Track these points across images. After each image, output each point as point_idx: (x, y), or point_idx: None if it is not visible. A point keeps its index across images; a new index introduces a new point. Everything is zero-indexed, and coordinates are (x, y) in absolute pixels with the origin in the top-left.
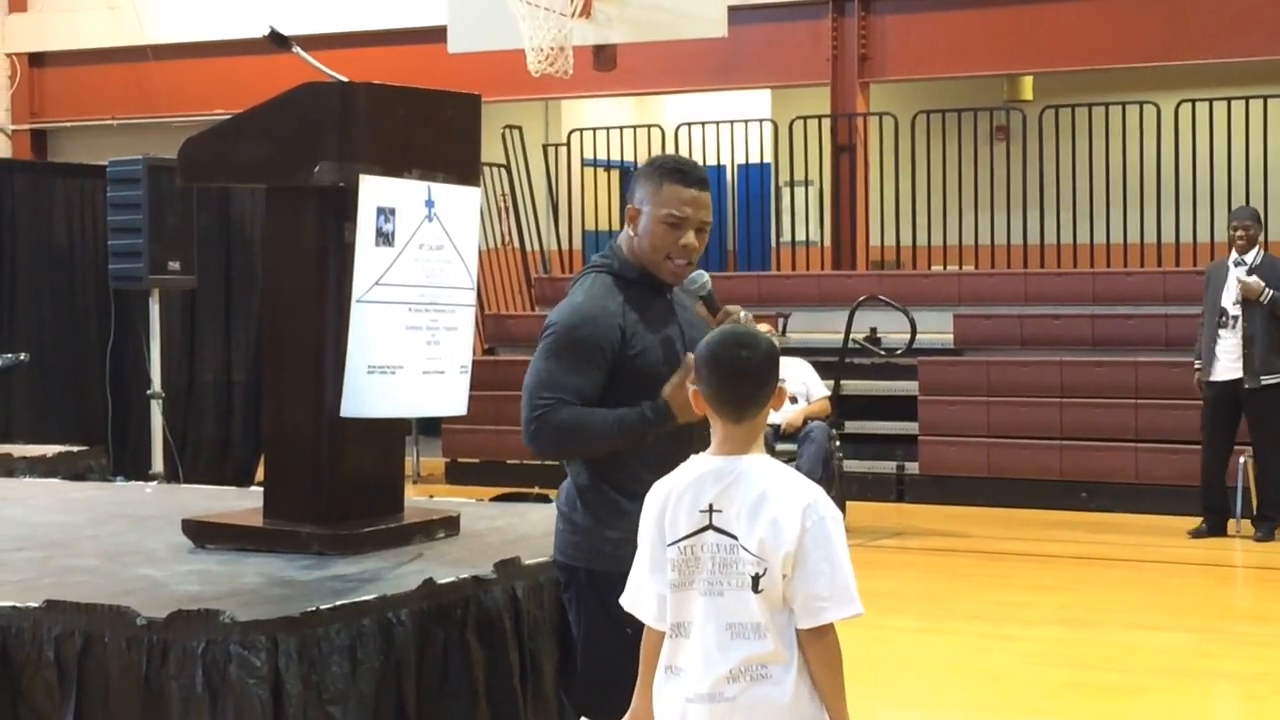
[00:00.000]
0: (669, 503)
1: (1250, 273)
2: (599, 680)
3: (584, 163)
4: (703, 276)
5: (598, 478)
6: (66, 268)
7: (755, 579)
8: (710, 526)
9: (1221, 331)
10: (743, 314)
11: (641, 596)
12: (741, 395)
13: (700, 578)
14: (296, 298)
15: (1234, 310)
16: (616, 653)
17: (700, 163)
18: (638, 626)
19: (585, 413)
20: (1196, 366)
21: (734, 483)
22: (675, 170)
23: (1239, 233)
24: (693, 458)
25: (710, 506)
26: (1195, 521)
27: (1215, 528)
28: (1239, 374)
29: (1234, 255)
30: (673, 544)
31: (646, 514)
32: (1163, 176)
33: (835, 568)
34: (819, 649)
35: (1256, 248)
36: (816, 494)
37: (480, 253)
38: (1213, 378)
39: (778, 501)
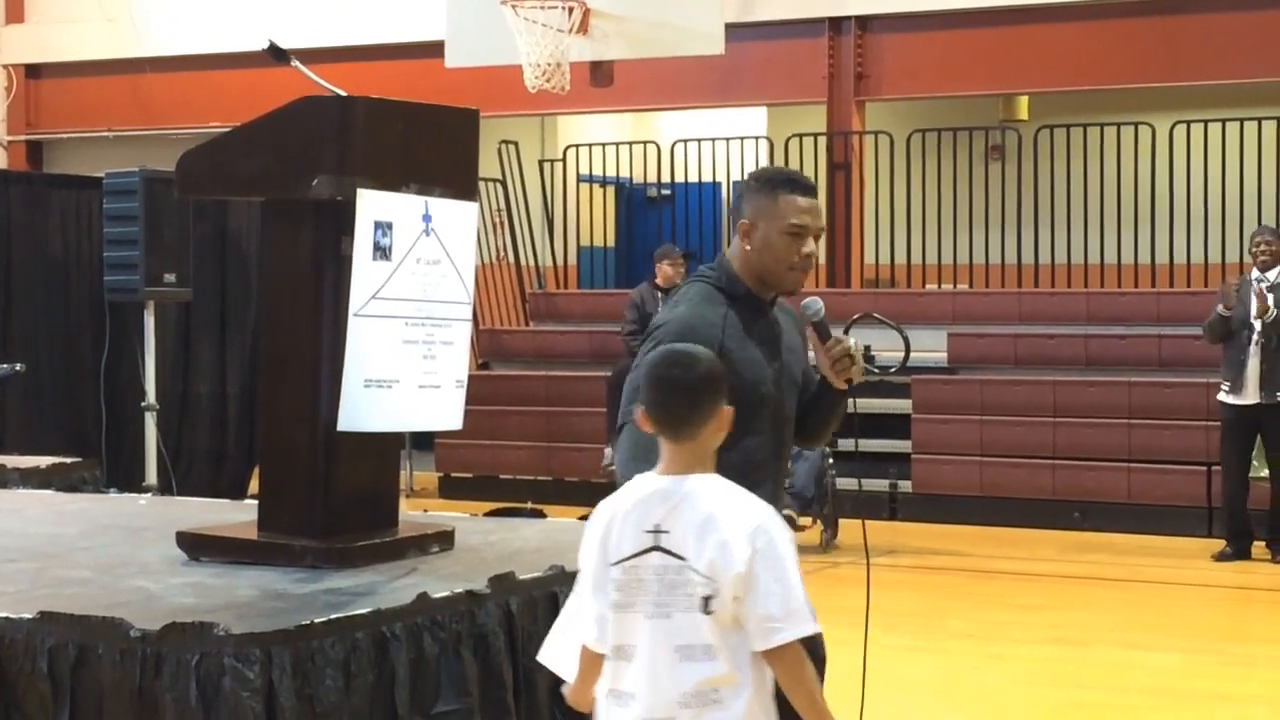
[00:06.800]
0: (614, 523)
1: (1271, 289)
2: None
3: (580, 178)
4: (817, 303)
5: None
6: (62, 279)
7: (706, 600)
8: (656, 547)
9: (1250, 349)
10: (852, 342)
11: (581, 619)
12: (675, 413)
13: (645, 600)
14: (293, 311)
15: (1257, 325)
16: None
17: (695, 179)
18: None
19: None
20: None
21: (680, 503)
22: (788, 181)
23: (1261, 248)
24: (638, 477)
25: (656, 527)
26: (1190, 542)
27: (1241, 551)
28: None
29: (1256, 272)
30: (616, 564)
31: (590, 534)
32: (1157, 197)
33: (787, 588)
34: (781, 670)
35: (1279, 265)
36: (766, 514)
37: (475, 267)
38: (1242, 400)
39: (725, 523)
